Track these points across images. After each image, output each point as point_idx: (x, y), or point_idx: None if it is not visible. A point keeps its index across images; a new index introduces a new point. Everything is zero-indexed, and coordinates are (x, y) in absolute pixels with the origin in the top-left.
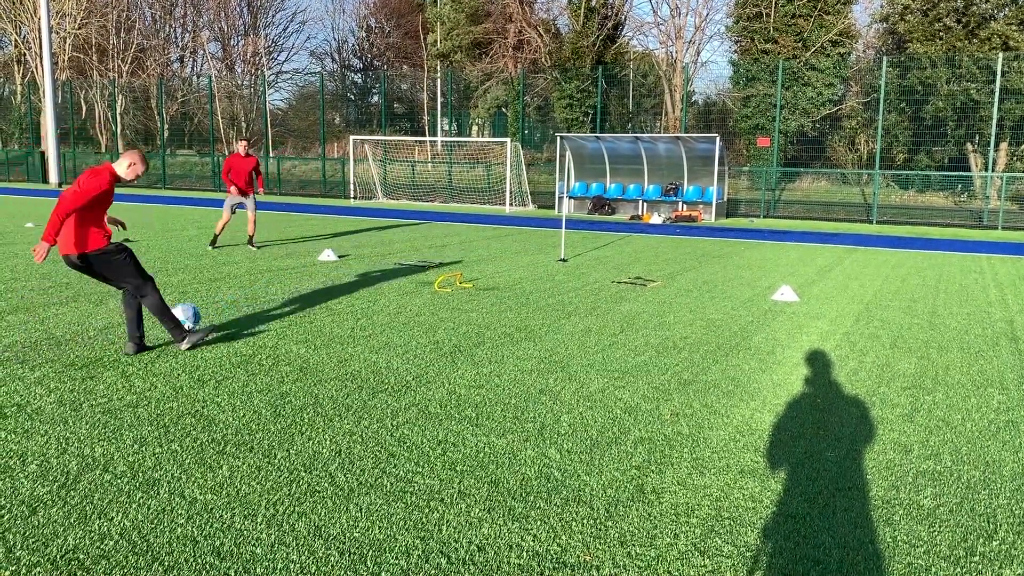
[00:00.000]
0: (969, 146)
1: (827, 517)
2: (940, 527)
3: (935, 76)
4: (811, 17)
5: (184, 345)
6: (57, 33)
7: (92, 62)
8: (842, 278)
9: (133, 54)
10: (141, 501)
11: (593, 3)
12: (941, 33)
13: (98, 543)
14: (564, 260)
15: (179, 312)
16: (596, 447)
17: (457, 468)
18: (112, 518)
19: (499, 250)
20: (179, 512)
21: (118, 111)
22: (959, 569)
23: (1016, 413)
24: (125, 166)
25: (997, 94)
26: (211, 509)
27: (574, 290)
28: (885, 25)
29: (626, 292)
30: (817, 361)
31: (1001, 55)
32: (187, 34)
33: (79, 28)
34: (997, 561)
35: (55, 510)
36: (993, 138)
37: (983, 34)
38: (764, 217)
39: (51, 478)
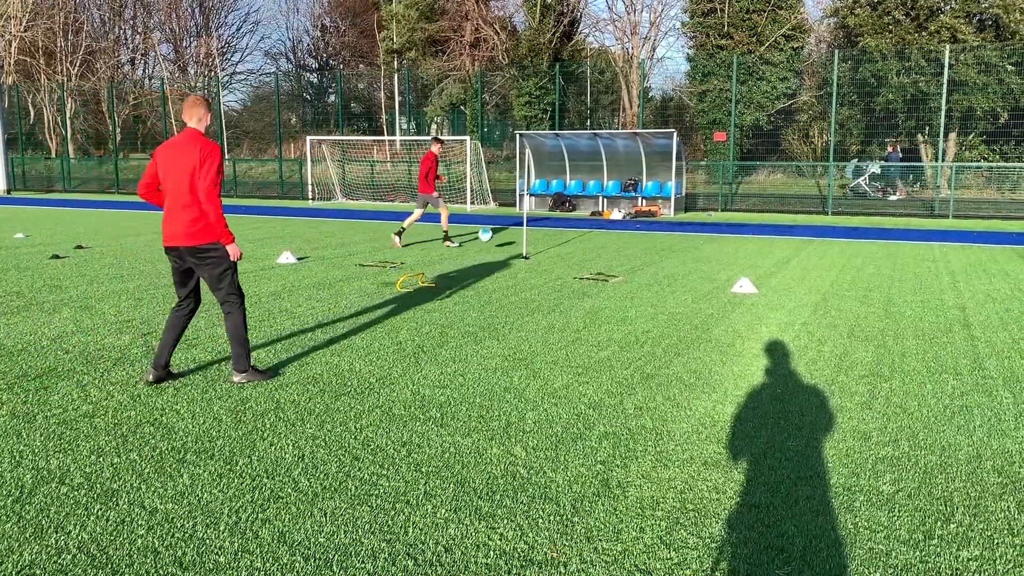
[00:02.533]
0: (920, 137)
1: (790, 506)
2: (899, 512)
3: (885, 69)
4: (765, 12)
5: (237, 379)
6: (2, 36)
7: (40, 65)
8: (799, 269)
9: (82, 57)
10: (99, 513)
11: (549, 0)
12: (891, 26)
13: (55, 557)
14: (526, 257)
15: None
16: (561, 443)
17: (422, 469)
18: (69, 531)
19: (461, 249)
20: (139, 523)
21: (68, 115)
22: (918, 552)
23: (970, 398)
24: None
25: (945, 86)
26: (172, 519)
27: (537, 287)
28: (836, 19)
29: (588, 288)
30: (777, 352)
31: (948, 47)
32: (137, 36)
33: (25, 31)
34: (955, 543)
35: (10, 525)
36: (942, 129)
37: (931, 27)
38: (722, 211)
39: (5, 492)
